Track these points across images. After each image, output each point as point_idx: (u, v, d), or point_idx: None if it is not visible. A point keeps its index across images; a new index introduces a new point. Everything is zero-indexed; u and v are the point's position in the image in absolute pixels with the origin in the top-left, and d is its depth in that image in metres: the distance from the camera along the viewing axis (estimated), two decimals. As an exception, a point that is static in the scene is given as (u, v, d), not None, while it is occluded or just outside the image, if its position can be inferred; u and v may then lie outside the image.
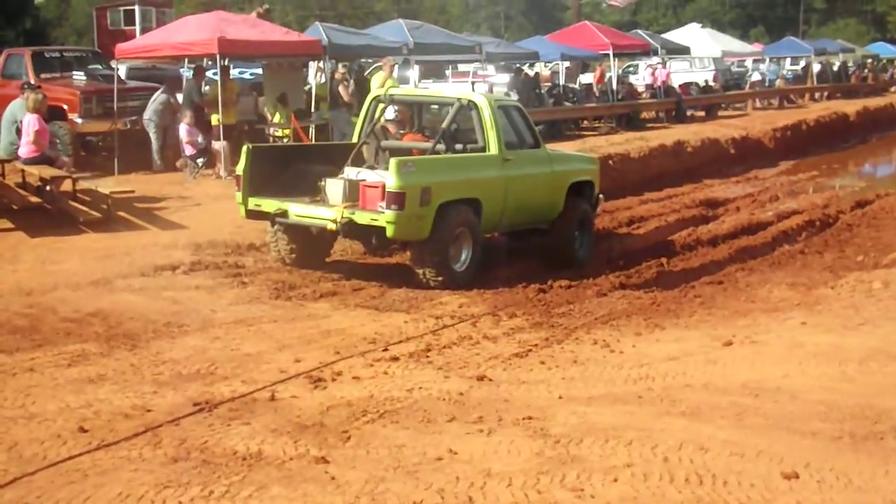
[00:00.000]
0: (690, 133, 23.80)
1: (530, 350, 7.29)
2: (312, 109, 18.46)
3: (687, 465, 4.85)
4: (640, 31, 32.27)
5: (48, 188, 12.16)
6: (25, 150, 12.71)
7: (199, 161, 15.45)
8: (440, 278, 9.44)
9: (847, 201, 16.91)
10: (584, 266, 11.09)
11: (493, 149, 10.28)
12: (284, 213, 9.67)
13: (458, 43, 22.27)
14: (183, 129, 15.42)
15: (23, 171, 12.80)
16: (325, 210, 9.49)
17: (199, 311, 8.23)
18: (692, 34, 36.19)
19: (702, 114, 30.09)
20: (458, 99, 10.63)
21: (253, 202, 9.91)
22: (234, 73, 19.77)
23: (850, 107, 34.06)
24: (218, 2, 50.54)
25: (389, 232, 9.13)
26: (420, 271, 9.51)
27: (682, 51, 31.73)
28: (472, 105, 10.43)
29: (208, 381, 6.32)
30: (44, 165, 12.45)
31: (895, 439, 5.21)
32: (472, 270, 9.80)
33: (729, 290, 10.00)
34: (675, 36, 34.85)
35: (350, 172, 10.03)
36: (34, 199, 12.17)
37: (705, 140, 23.35)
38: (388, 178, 9.09)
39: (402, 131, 11.36)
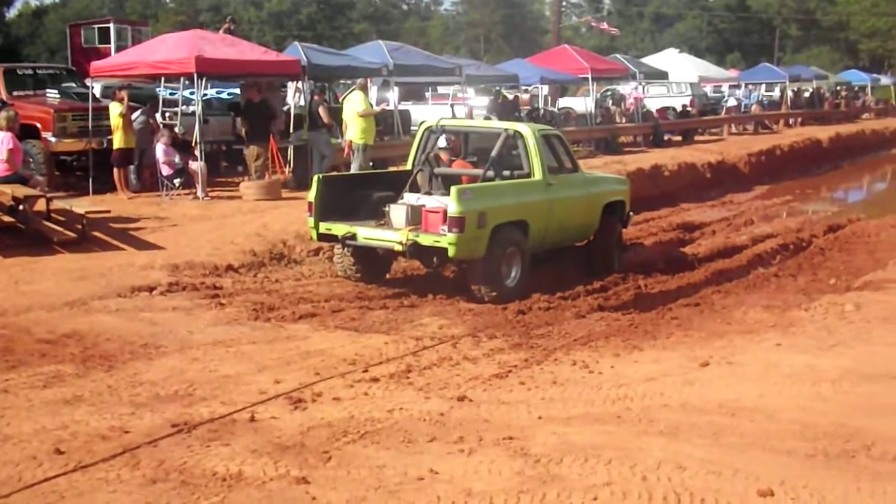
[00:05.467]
0: (668, 157, 24.00)
1: (510, 371, 7.32)
2: (291, 130, 18.44)
3: (665, 483, 4.89)
4: (618, 56, 32.54)
5: (21, 208, 12.06)
6: (-2, 168, 12.61)
7: (176, 181, 15.41)
8: (494, 293, 10.16)
9: (820, 226, 17.09)
10: (619, 272, 12.14)
11: (538, 174, 11.20)
12: (353, 236, 10.48)
13: (437, 65, 22.38)
14: (160, 150, 15.39)
15: (-5, 190, 12.71)
16: (391, 233, 10.34)
17: (176, 333, 8.21)
18: (670, 59, 36.59)
19: (679, 138, 30.35)
20: (505, 129, 11.64)
21: (324, 226, 10.70)
22: (210, 92, 19.71)
23: (824, 133, 34.47)
24: (195, 21, 50.60)
25: (451, 252, 9.96)
26: (475, 287, 10.26)
27: (661, 75, 32.03)
28: (517, 135, 11.40)
29: (187, 402, 6.30)
30: (17, 185, 12.35)
31: (867, 457, 5.28)
32: (521, 286, 10.51)
33: (705, 311, 10.09)
34: (654, 61, 35.21)
35: (410, 198, 10.95)
36: (7, 218, 12.11)
37: (682, 164, 23.56)
38: (450, 203, 9.90)
39: (452, 158, 12.02)
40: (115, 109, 15.43)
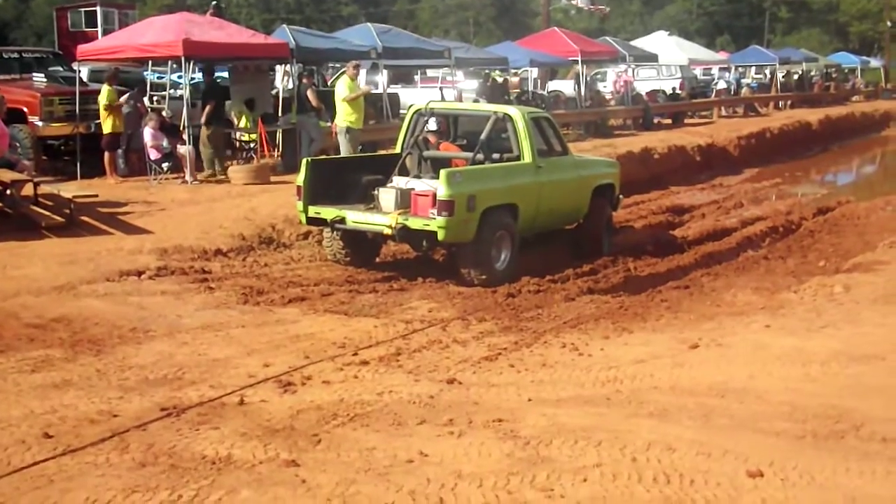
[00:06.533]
0: (657, 140, 23.99)
1: (500, 353, 7.32)
2: (280, 113, 18.37)
3: (655, 464, 4.90)
4: (608, 38, 32.46)
5: (9, 192, 11.97)
6: (-16, 153, 12.53)
7: (165, 165, 15.33)
8: (483, 276, 10.17)
9: (809, 208, 17.18)
10: (609, 255, 12.15)
11: (528, 157, 11.17)
12: (342, 220, 10.46)
13: (426, 47, 22.26)
14: (147, 134, 15.31)
15: (-18, 175, 12.62)
16: (380, 217, 10.32)
17: (165, 317, 8.19)
18: (660, 42, 36.44)
19: (668, 121, 30.33)
20: (495, 112, 11.57)
21: (313, 210, 10.66)
22: (199, 76, 19.59)
23: (813, 116, 34.51)
24: (183, 4, 50.32)
25: (440, 236, 9.94)
26: (465, 270, 10.26)
27: (650, 58, 31.95)
28: (507, 118, 11.32)
29: (176, 385, 6.29)
30: (4, 169, 12.24)
31: (856, 438, 5.30)
32: (511, 269, 10.50)
33: (695, 294, 10.11)
34: (643, 43, 35.07)
35: (399, 181, 10.96)
36: (-6, 203, 12.03)
37: (672, 147, 23.56)
38: (439, 187, 9.86)
39: (440, 141, 11.98)
40: (104, 94, 15.34)
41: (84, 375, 6.47)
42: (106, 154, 15.52)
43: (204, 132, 15.76)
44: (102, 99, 15.42)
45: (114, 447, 5.16)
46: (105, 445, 5.19)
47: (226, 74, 19.78)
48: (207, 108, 15.84)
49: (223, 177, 15.63)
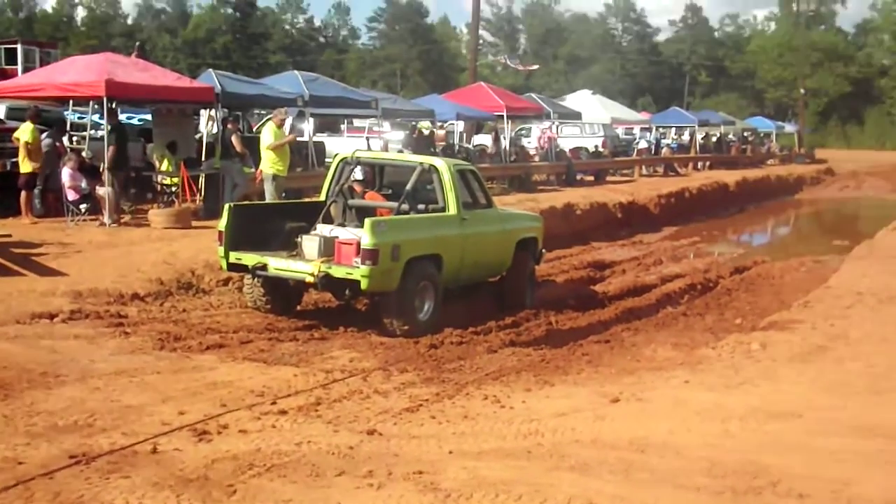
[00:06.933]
0: (580, 196, 24.34)
1: (421, 405, 7.23)
2: (203, 158, 18.16)
3: (576, 520, 4.86)
4: (533, 95, 32.99)
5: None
6: None
7: (83, 207, 15.00)
8: (406, 327, 10.10)
9: (727, 267, 17.52)
10: (532, 308, 12.15)
11: (452, 209, 11.20)
12: (264, 266, 10.30)
13: (353, 97, 22.33)
14: (66, 174, 14.98)
15: None
16: (303, 264, 10.21)
17: (77, 361, 7.93)
18: (583, 100, 37.22)
19: (591, 178, 30.83)
20: (421, 163, 11.56)
21: (234, 256, 10.50)
22: (122, 117, 19.30)
23: (730, 177, 35.46)
24: (107, 46, 49.75)
25: (364, 285, 9.82)
26: (388, 320, 10.18)
27: (574, 116, 32.56)
28: (433, 169, 11.35)
29: (86, 432, 6.06)
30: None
31: (773, 494, 5.34)
32: (434, 320, 10.48)
33: (615, 348, 10.17)
34: (568, 101, 35.78)
35: (323, 229, 10.91)
36: None
37: (594, 204, 23.92)
38: (364, 235, 9.81)
39: (365, 190, 11.93)
40: (27, 132, 15.00)
41: (-11, 421, 6.22)
42: (23, 193, 15.14)
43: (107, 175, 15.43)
44: (24, 136, 15.07)
45: (18, 496, 4.95)
46: (8, 494, 4.96)
47: (149, 117, 19.54)
48: (111, 151, 15.53)
49: (128, 218, 15.34)
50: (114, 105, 16.66)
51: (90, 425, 6.23)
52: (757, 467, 5.74)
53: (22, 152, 15.07)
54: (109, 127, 15.85)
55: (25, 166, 15.07)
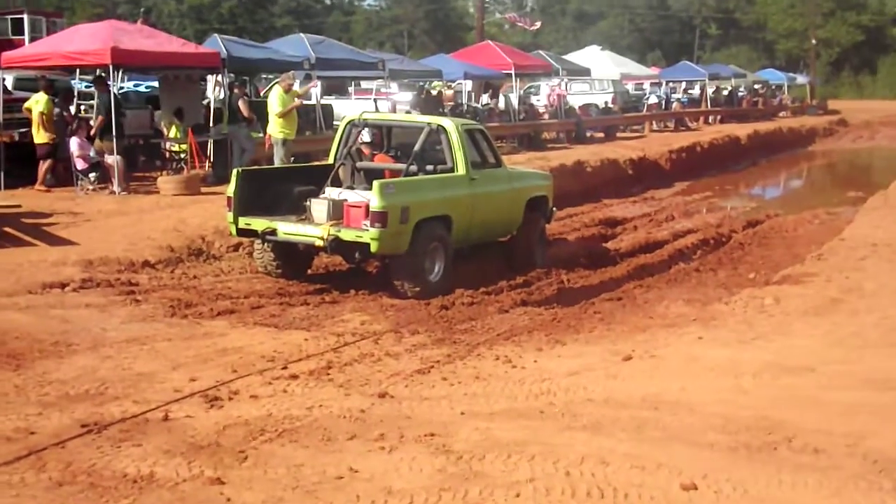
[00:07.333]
0: (590, 153, 24.17)
1: (432, 366, 7.22)
2: (211, 124, 18.08)
3: (588, 478, 4.85)
4: (541, 52, 32.67)
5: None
6: None
7: (92, 176, 14.98)
8: (417, 288, 10.04)
9: (739, 221, 17.41)
10: (543, 267, 12.05)
11: (461, 169, 11.11)
12: (274, 231, 10.28)
13: (360, 59, 22.17)
14: (74, 143, 14.93)
15: None
16: (312, 228, 10.16)
17: (89, 330, 7.94)
18: (592, 56, 36.88)
19: (601, 135, 30.60)
20: (429, 123, 11.48)
21: (243, 221, 10.47)
22: (128, 85, 19.22)
23: (742, 130, 35.14)
24: (113, 14, 49.50)
25: (373, 248, 9.81)
26: (398, 283, 10.13)
27: (583, 72, 32.24)
28: (441, 129, 11.26)
29: (98, 401, 6.08)
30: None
31: (788, 449, 5.31)
32: (445, 281, 10.41)
33: (627, 306, 10.13)
34: (576, 58, 35.44)
35: (331, 192, 10.84)
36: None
37: (604, 160, 23.74)
38: (372, 198, 9.74)
39: (373, 152, 11.84)
40: (41, 102, 14.95)
41: (1, 391, 6.23)
42: (43, 163, 15.11)
43: (98, 145, 15.37)
44: (39, 107, 15.02)
45: (30, 466, 4.96)
46: (21, 464, 4.98)
47: (156, 84, 19.45)
48: (98, 121, 15.41)
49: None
50: (100, 73, 16.55)
51: (101, 394, 6.24)
52: (771, 423, 5.71)
53: (36, 122, 15.02)
54: (99, 98, 15.67)
55: (40, 137, 15.04)
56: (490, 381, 6.81)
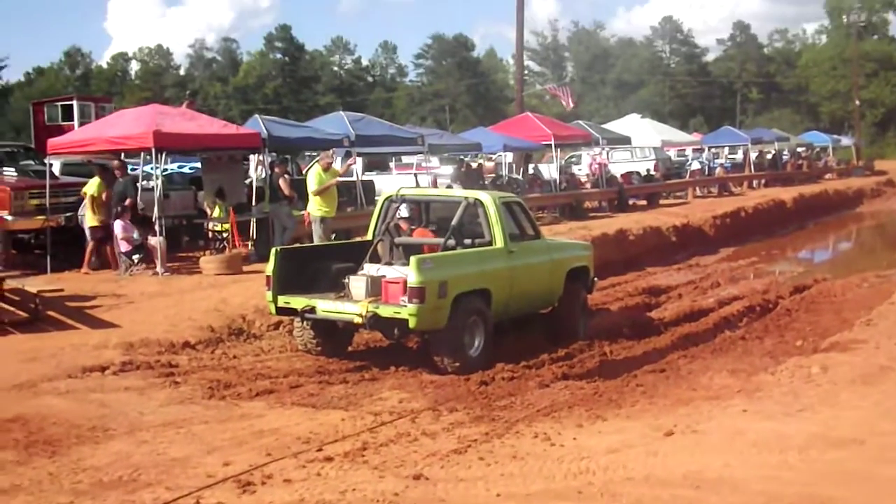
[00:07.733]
0: (632, 222, 24.05)
1: (469, 445, 7.10)
2: (253, 203, 18.29)
3: (626, 564, 4.68)
4: (581, 122, 32.82)
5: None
6: (-47, 249, 12.38)
7: (135, 257, 15.17)
8: (457, 364, 9.98)
9: (786, 287, 17.10)
10: (585, 339, 11.96)
11: (499, 242, 11.13)
12: (313, 309, 10.31)
13: (399, 135, 22.40)
14: (118, 226, 15.17)
15: (-53, 271, 12.43)
16: (351, 305, 10.16)
17: (126, 414, 7.95)
18: (633, 124, 36.96)
19: (643, 202, 30.49)
20: (466, 198, 11.57)
21: (283, 300, 10.51)
22: (172, 166, 19.57)
23: (787, 194, 34.82)
24: (160, 97, 50.70)
25: (412, 323, 9.76)
26: (438, 358, 10.08)
27: (623, 141, 32.30)
28: (478, 203, 11.32)
29: (130, 488, 6.04)
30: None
31: (838, 529, 5.10)
32: (485, 355, 10.33)
33: (671, 378, 9.93)
34: (617, 126, 35.53)
35: (370, 269, 10.87)
36: (-44, 300, 11.79)
37: (647, 228, 23.61)
38: (410, 274, 9.78)
39: (412, 227, 11.93)
40: (94, 186, 15.33)
41: (35, 479, 6.22)
42: (92, 243, 15.42)
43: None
44: (91, 189, 15.42)
45: (59, 557, 4.91)
46: (50, 556, 4.93)
47: (199, 165, 19.77)
48: (120, 208, 15.64)
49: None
50: (122, 157, 16.93)
51: (134, 480, 6.21)
52: (819, 500, 5.52)
53: (89, 206, 15.35)
54: (119, 184, 15.96)
55: (92, 220, 15.38)
56: (528, 461, 6.67)
